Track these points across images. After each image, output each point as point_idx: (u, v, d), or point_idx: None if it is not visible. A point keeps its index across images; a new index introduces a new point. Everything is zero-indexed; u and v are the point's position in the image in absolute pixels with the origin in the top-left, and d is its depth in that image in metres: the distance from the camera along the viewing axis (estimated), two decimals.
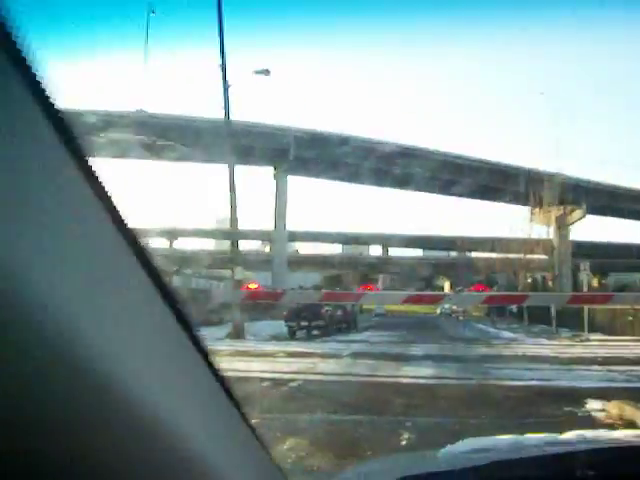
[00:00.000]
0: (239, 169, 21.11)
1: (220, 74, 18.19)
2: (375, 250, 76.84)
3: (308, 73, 76.07)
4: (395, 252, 74.09)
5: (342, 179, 34.62)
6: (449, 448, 1.12)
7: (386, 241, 65.28)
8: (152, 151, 23.76)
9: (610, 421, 5.61)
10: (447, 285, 79.56)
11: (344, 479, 1.32)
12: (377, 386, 8.09)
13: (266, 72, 21.26)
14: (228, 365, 10.29)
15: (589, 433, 1.26)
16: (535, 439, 1.14)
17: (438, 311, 65.54)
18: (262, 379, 8.11)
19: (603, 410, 6.06)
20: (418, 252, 76.66)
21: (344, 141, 29.25)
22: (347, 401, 6.83)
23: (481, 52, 73.11)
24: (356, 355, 12.55)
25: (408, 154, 29.90)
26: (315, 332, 19.60)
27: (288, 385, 7.85)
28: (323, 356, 11.90)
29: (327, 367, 10.24)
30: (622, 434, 1.39)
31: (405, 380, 8.58)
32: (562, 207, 28.61)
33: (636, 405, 5.78)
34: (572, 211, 34.00)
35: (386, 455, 3.64)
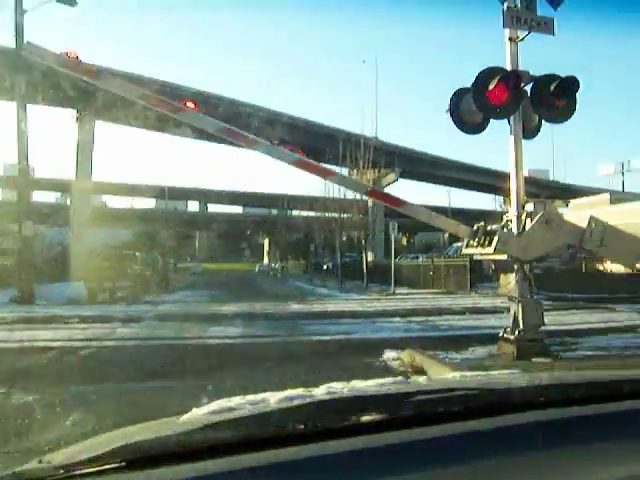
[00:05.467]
0: (33, 109, 18.02)
1: None
2: (193, 206, 74.41)
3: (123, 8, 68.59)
4: (214, 208, 72.81)
5: (158, 129, 32.17)
6: (195, 410, 1.10)
7: (204, 196, 63.15)
8: None
9: (403, 368, 5.90)
10: (267, 242, 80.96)
11: None
12: (182, 349, 7.57)
13: (72, 2, 17.66)
14: (5, 335, 8.78)
15: (360, 383, 1.29)
16: (285, 395, 1.12)
17: (257, 269, 66.57)
18: (47, 348, 7.08)
19: (398, 359, 6.37)
20: (238, 209, 76.43)
21: (164, 87, 26.93)
22: (144, 367, 6.19)
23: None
24: (163, 317, 11.76)
25: (233, 110, 28.72)
26: (120, 294, 18.07)
27: (78, 354, 6.89)
28: (125, 320, 10.88)
29: (128, 332, 9.33)
30: (391, 381, 1.36)
31: (211, 341, 8.21)
32: (376, 170, 30.33)
33: (423, 352, 6.19)
34: (386, 174, 37.12)
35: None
